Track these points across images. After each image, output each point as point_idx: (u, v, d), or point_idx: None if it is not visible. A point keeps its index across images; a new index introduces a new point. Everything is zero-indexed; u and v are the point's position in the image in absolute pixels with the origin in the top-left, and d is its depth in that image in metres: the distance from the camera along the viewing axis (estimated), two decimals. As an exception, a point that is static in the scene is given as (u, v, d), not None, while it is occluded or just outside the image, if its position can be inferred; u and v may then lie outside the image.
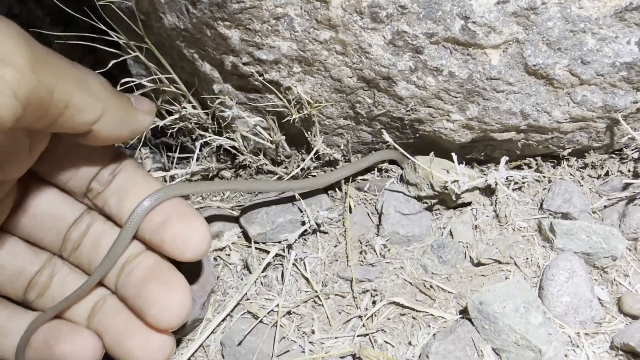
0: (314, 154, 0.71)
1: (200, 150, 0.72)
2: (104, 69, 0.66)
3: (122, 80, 0.68)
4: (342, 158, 0.70)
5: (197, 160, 0.73)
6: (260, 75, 0.63)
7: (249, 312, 0.60)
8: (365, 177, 0.71)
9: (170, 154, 0.76)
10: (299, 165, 0.72)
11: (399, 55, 0.57)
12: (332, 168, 0.71)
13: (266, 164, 0.72)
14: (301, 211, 0.65)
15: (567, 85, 0.57)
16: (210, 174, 0.74)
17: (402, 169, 0.69)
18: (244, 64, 0.62)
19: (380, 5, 0.54)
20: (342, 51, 0.58)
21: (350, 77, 0.61)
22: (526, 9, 0.53)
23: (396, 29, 0.56)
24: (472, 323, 0.56)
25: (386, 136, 0.60)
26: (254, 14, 0.56)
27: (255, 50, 0.60)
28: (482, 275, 0.61)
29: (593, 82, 0.57)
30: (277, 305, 0.60)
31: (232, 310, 0.60)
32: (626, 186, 0.62)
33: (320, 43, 0.58)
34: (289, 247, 0.63)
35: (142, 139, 0.75)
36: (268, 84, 0.63)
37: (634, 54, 0.54)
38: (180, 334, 0.58)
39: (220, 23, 0.58)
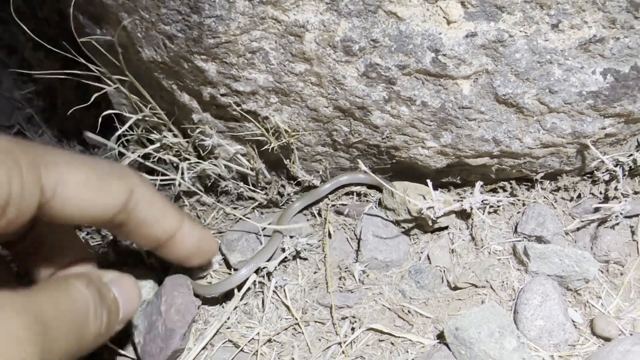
0: (294, 181, 0.72)
1: (182, 175, 0.73)
2: (87, 103, 0.67)
3: (104, 113, 0.69)
4: (321, 184, 0.71)
5: (179, 185, 0.74)
6: (238, 105, 0.64)
7: (230, 341, 0.60)
8: (344, 202, 0.72)
9: (153, 179, 0.76)
10: (279, 192, 0.73)
11: (373, 86, 0.59)
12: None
13: (246, 190, 0.73)
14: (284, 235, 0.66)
15: (537, 113, 0.59)
16: (194, 197, 0.75)
17: (380, 192, 0.70)
18: (222, 95, 0.63)
19: (353, 39, 0.55)
20: (318, 82, 0.59)
21: (326, 107, 0.62)
22: (494, 42, 0.55)
23: (369, 62, 0.57)
24: (449, 348, 0.57)
25: (362, 165, 0.61)
26: (230, 48, 0.58)
27: (233, 82, 0.61)
28: (459, 299, 0.62)
29: (561, 110, 0.58)
30: (258, 333, 0.60)
31: (212, 339, 0.60)
32: (597, 209, 0.64)
33: (295, 75, 0.59)
34: (269, 274, 0.64)
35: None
36: (246, 114, 0.64)
37: (599, 83, 0.56)
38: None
39: (197, 57, 0.59)
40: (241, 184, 0.73)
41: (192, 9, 0.54)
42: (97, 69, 0.67)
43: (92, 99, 0.66)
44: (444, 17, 0.54)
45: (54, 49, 0.68)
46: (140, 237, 0.51)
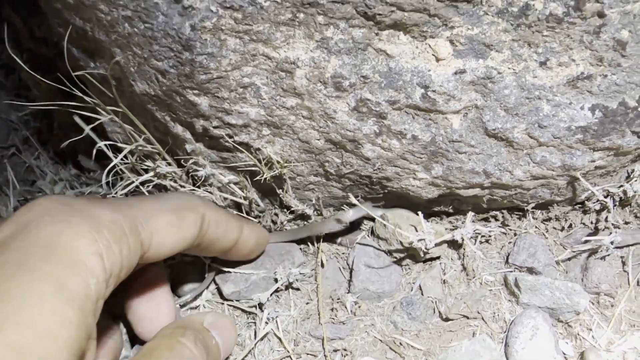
0: (287, 209, 0.72)
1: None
2: (82, 135, 0.68)
3: (99, 144, 0.69)
4: (314, 212, 0.72)
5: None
6: (231, 137, 0.64)
7: (222, 374, 0.61)
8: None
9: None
10: (272, 220, 0.73)
11: (364, 120, 0.59)
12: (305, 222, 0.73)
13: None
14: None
15: (527, 147, 0.59)
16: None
17: (373, 221, 0.70)
18: (214, 127, 0.63)
19: (343, 75, 0.56)
20: (309, 116, 0.60)
21: (317, 140, 0.62)
22: (483, 78, 0.55)
23: (359, 97, 0.57)
24: (440, 382, 0.57)
25: (352, 199, 0.61)
26: (222, 83, 0.58)
27: (225, 116, 0.61)
28: (451, 330, 0.62)
29: (551, 144, 0.59)
30: (250, 365, 0.61)
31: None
32: (587, 240, 0.64)
33: (287, 109, 0.60)
34: (261, 305, 0.64)
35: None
36: (238, 146, 0.64)
37: (588, 118, 0.56)
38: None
39: (189, 91, 0.59)
40: (235, 212, 0.73)
41: (184, 47, 0.55)
42: (91, 101, 0.67)
43: (87, 131, 0.67)
44: (432, 54, 0.55)
45: (49, 82, 0.69)
46: (211, 252, 0.59)
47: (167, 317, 0.56)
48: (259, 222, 0.74)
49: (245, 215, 0.74)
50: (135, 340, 0.60)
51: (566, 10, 0.50)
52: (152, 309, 0.56)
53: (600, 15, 0.50)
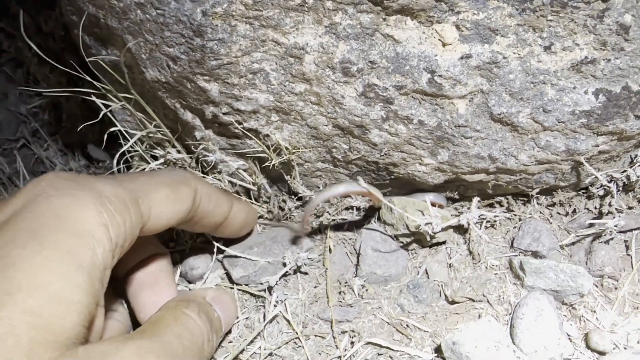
0: (295, 196, 0.73)
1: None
2: (95, 120, 0.69)
3: (109, 130, 0.70)
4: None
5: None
6: (240, 124, 0.65)
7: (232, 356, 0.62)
8: (344, 216, 0.73)
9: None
10: (280, 206, 0.74)
11: (371, 105, 0.60)
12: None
13: (252, 204, 0.74)
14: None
15: (531, 132, 0.60)
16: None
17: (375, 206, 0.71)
18: (224, 113, 0.64)
19: (351, 61, 0.57)
20: (317, 102, 0.61)
21: (325, 125, 0.63)
22: (488, 63, 0.56)
23: (367, 82, 0.58)
24: (446, 362, 0.58)
25: (361, 182, 0.62)
26: (232, 69, 0.59)
27: (234, 102, 0.63)
28: (457, 313, 0.63)
29: (555, 128, 0.60)
30: (260, 347, 0.62)
31: (214, 353, 0.62)
32: (591, 224, 0.65)
33: (295, 95, 0.61)
34: (270, 289, 0.65)
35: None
36: (247, 132, 0.66)
37: (592, 102, 0.57)
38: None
39: (199, 77, 0.61)
40: (244, 198, 0.74)
41: (195, 33, 0.56)
42: (103, 87, 0.69)
43: (100, 117, 0.68)
44: (439, 39, 0.56)
45: (60, 67, 0.70)
46: (202, 227, 0.60)
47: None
48: (267, 208, 0.75)
49: (254, 201, 0.75)
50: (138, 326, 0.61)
51: (570, -6, 0.51)
52: (155, 296, 0.57)
53: (604, -1, 0.51)
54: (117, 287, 0.59)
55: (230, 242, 0.69)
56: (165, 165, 0.75)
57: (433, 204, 0.66)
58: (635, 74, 0.56)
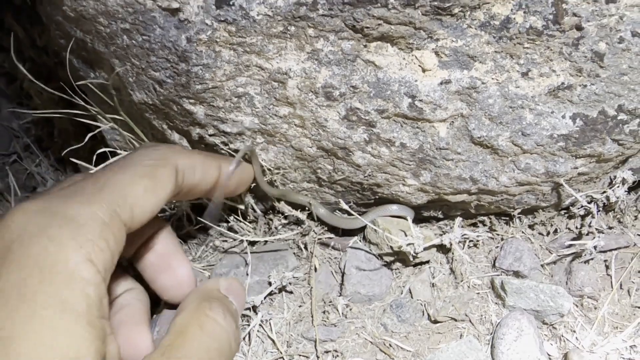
0: (282, 214, 0.74)
1: (173, 209, 0.76)
2: (82, 143, 0.70)
3: (99, 151, 0.71)
4: (307, 217, 0.74)
5: (170, 219, 0.77)
6: (226, 145, 0.66)
7: (217, 374, 0.62)
8: (330, 235, 0.74)
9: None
10: (267, 225, 0.75)
11: (354, 128, 0.61)
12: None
13: (236, 223, 0.75)
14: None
15: (511, 154, 0.61)
16: (184, 230, 0.77)
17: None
18: (210, 135, 0.65)
19: (333, 85, 0.58)
20: (301, 124, 0.62)
21: (310, 147, 0.64)
22: (468, 88, 0.57)
23: (349, 106, 0.60)
24: (428, 382, 0.59)
25: (343, 205, 0.63)
26: (217, 93, 0.60)
27: (220, 124, 0.64)
28: (439, 332, 0.64)
29: (534, 151, 0.61)
30: (244, 366, 0.62)
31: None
32: (571, 245, 0.66)
33: (280, 117, 0.62)
34: (255, 308, 0.66)
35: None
36: (234, 153, 0.67)
37: (569, 126, 0.59)
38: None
39: (185, 100, 0.62)
40: (231, 217, 0.75)
41: (180, 58, 0.57)
42: (92, 109, 0.70)
43: (87, 138, 0.69)
44: (419, 65, 0.57)
45: (52, 91, 0.72)
46: (192, 196, 0.59)
47: (189, 280, 0.57)
48: (254, 227, 0.76)
49: (242, 219, 0.76)
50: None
51: (545, 23, 0.53)
52: (173, 279, 0.57)
53: (578, 28, 0.53)
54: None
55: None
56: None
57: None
58: (611, 99, 0.57)
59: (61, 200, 0.43)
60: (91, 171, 0.57)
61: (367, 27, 0.54)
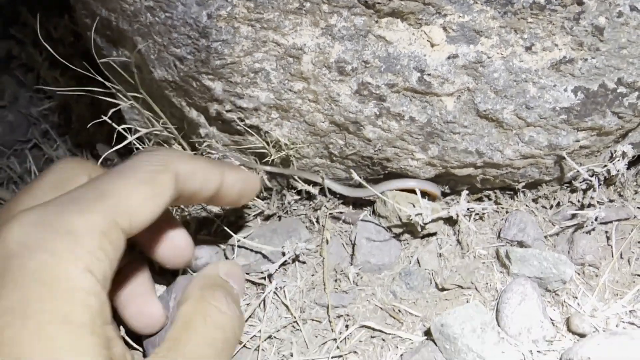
0: (294, 189, 0.77)
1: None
2: (104, 118, 0.73)
3: (120, 127, 0.74)
4: (318, 192, 0.76)
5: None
6: (242, 120, 0.69)
7: (234, 338, 0.65)
8: (341, 209, 0.77)
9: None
10: (280, 200, 0.78)
11: (365, 103, 0.64)
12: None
13: (252, 199, 0.78)
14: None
15: (515, 127, 0.64)
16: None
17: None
18: (227, 111, 0.69)
19: (346, 60, 0.61)
20: (314, 99, 0.65)
21: (322, 122, 0.67)
22: (474, 63, 0.60)
23: (361, 81, 0.63)
24: (435, 344, 0.62)
25: (354, 175, 0.66)
26: (235, 68, 0.63)
27: (237, 99, 0.67)
28: (446, 299, 0.67)
29: (538, 124, 0.64)
30: (259, 330, 0.65)
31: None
32: (574, 215, 0.69)
33: (294, 93, 0.65)
34: (270, 276, 0.69)
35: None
36: (249, 129, 0.70)
37: (571, 100, 0.61)
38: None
39: (204, 76, 0.65)
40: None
41: (201, 34, 0.60)
42: (112, 87, 0.73)
43: (109, 114, 0.72)
44: (427, 40, 0.60)
45: (72, 66, 0.75)
46: (194, 202, 0.60)
47: (186, 246, 0.59)
48: (267, 203, 0.79)
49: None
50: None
51: (548, -2, 0.56)
52: (171, 247, 0.58)
53: (579, 3, 0.56)
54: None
55: (235, 230, 0.73)
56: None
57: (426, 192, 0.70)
58: (611, 72, 0.60)
59: (59, 210, 0.42)
60: (92, 177, 0.54)
61: (378, 3, 0.57)
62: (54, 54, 0.72)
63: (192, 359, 0.45)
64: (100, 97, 0.74)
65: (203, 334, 0.47)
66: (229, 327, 0.49)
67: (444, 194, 0.77)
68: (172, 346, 0.45)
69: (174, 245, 0.58)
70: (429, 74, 0.61)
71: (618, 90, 0.61)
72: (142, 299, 0.59)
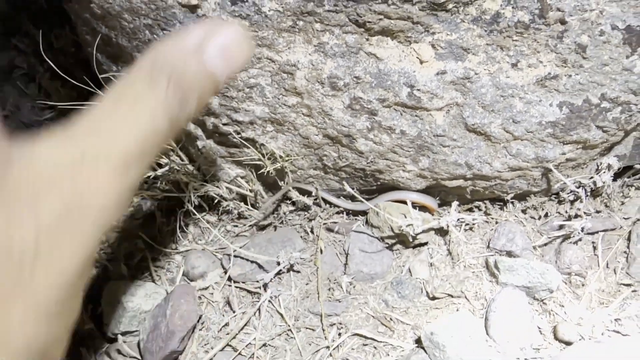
0: (289, 200, 0.79)
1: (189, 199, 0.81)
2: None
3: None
4: (313, 203, 0.78)
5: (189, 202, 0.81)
6: (238, 133, 0.71)
7: (229, 345, 0.67)
8: (335, 220, 0.79)
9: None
10: (275, 211, 0.80)
11: (357, 117, 0.66)
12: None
13: (246, 210, 0.80)
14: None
15: (503, 141, 0.66)
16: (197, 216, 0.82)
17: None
18: (224, 124, 0.70)
19: (338, 76, 0.63)
20: (308, 113, 0.67)
21: (316, 135, 0.69)
22: (462, 78, 0.62)
23: (353, 96, 0.64)
24: (426, 351, 0.63)
25: (347, 187, 0.68)
26: (230, 83, 0.65)
27: (233, 113, 0.69)
28: (436, 308, 0.69)
29: (524, 137, 0.65)
30: (254, 338, 0.67)
31: (213, 344, 0.67)
32: (561, 226, 0.71)
33: (288, 107, 0.67)
34: (265, 285, 0.71)
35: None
36: (245, 141, 0.72)
37: (557, 114, 0.63)
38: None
39: (201, 91, 0.67)
40: (241, 204, 0.80)
41: (198, 51, 0.62)
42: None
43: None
44: (417, 57, 0.62)
45: (73, 81, 0.77)
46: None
47: None
48: (263, 213, 0.81)
49: (250, 207, 0.81)
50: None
51: (532, 17, 0.58)
52: None
53: (562, 22, 0.58)
54: None
55: (231, 240, 0.75)
56: (171, 173, 0.80)
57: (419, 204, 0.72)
58: (594, 88, 0.62)
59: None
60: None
61: (369, 22, 0.59)
62: (55, 68, 0.73)
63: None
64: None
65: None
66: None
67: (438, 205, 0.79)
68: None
69: None
70: (418, 90, 0.63)
71: (602, 105, 0.63)
72: None
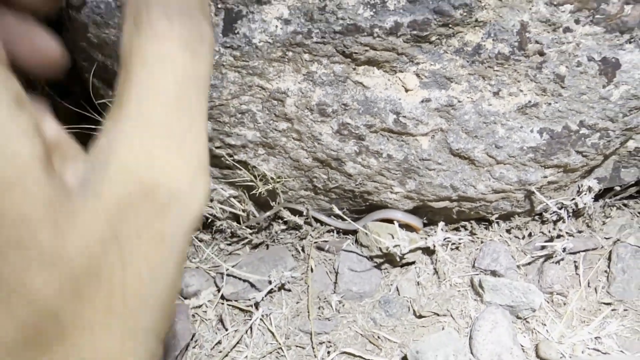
0: (281, 220, 0.81)
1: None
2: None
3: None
4: (304, 222, 0.81)
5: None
6: (231, 156, 0.73)
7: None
8: (325, 238, 0.81)
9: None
10: (267, 230, 0.82)
11: (345, 141, 0.68)
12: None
13: (238, 229, 0.82)
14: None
15: (486, 165, 0.68)
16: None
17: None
18: (217, 147, 0.73)
19: (327, 103, 0.65)
20: (298, 138, 0.69)
21: (306, 158, 0.71)
22: (446, 106, 0.64)
23: (341, 121, 0.67)
24: (412, 369, 0.65)
25: (335, 209, 0.70)
26: (223, 109, 0.68)
27: (225, 137, 0.71)
28: (423, 326, 0.71)
29: (507, 162, 0.68)
30: (246, 356, 0.69)
31: (206, 362, 0.69)
32: (543, 247, 0.73)
33: (279, 132, 0.69)
34: (257, 304, 0.73)
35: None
36: (237, 164, 0.74)
37: (537, 140, 0.66)
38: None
39: (195, 116, 0.69)
40: (234, 223, 0.82)
41: (191, 79, 0.64)
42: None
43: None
44: (402, 85, 0.64)
45: (71, 107, 0.79)
46: None
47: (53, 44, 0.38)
48: (255, 231, 0.83)
49: (243, 226, 0.83)
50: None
51: (512, 49, 0.60)
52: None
53: (541, 53, 0.60)
54: None
55: (224, 258, 0.77)
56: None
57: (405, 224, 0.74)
58: (573, 115, 0.64)
59: None
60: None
61: (355, 53, 0.61)
62: (55, 96, 0.76)
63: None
64: (91, 133, 0.78)
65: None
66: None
67: (424, 224, 0.81)
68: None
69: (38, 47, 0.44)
70: (404, 116, 0.65)
71: (580, 132, 0.65)
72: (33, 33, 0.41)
